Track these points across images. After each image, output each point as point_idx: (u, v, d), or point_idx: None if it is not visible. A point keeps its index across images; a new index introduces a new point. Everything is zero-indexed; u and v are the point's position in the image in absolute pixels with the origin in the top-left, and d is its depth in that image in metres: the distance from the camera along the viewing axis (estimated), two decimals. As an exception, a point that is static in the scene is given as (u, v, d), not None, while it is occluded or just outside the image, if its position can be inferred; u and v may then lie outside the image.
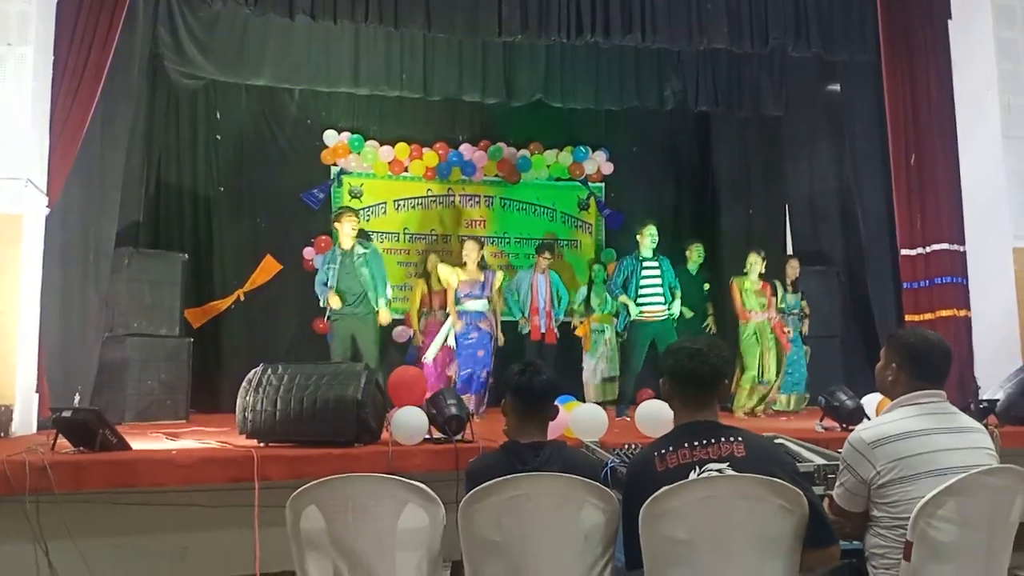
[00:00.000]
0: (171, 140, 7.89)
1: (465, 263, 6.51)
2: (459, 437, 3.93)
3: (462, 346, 6.35)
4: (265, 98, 8.25)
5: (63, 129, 5.10)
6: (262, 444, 3.94)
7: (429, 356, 6.78)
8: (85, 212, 5.51)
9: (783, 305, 7.10)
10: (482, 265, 6.63)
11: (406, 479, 2.53)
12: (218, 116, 8.19)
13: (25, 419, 4.79)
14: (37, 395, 4.94)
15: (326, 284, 6.10)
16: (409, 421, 3.98)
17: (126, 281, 6.07)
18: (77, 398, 5.24)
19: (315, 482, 2.50)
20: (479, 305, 6.40)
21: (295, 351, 7.76)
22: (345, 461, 3.67)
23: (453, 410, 3.91)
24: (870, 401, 4.58)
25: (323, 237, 8.26)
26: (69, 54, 5.15)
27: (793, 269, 7.39)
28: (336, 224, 6.26)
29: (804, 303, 7.37)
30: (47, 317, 5.08)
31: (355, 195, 8.64)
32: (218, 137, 8.20)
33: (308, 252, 8.30)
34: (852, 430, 2.64)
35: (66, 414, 3.87)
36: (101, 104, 5.34)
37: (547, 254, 7.64)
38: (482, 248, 6.66)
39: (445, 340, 6.59)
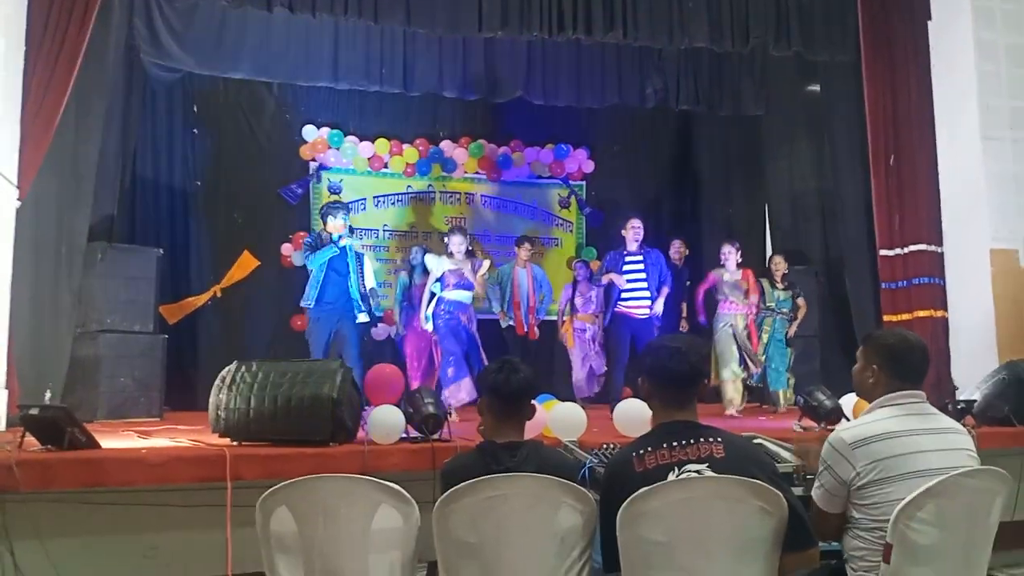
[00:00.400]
0: (147, 133, 7.77)
1: (452, 253, 6.36)
2: (436, 436, 3.89)
3: (445, 331, 6.16)
4: (243, 91, 8.16)
5: (35, 121, 5.01)
6: (235, 443, 3.87)
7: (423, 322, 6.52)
8: (57, 205, 5.41)
9: (772, 303, 6.97)
10: (470, 254, 6.48)
11: (380, 479, 2.49)
12: (195, 109, 8.09)
13: (-3, 416, 4.70)
14: (7, 391, 4.84)
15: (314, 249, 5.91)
16: (385, 420, 3.92)
17: (100, 276, 5.96)
18: (48, 395, 5.14)
19: (285, 483, 2.45)
20: (463, 296, 6.24)
21: (272, 348, 7.69)
22: (320, 460, 3.61)
23: (430, 409, 3.86)
24: (848, 401, 4.58)
25: (301, 233, 8.18)
26: (42, 44, 5.05)
27: (778, 266, 7.24)
28: (331, 216, 6.06)
29: (801, 301, 7.12)
30: (17, 312, 4.98)
31: (334, 191, 8.57)
32: (195, 131, 8.10)
33: (286, 248, 8.22)
34: (831, 430, 2.62)
35: (34, 411, 3.78)
36: (75, 96, 5.24)
37: (527, 246, 7.58)
38: (467, 239, 6.52)
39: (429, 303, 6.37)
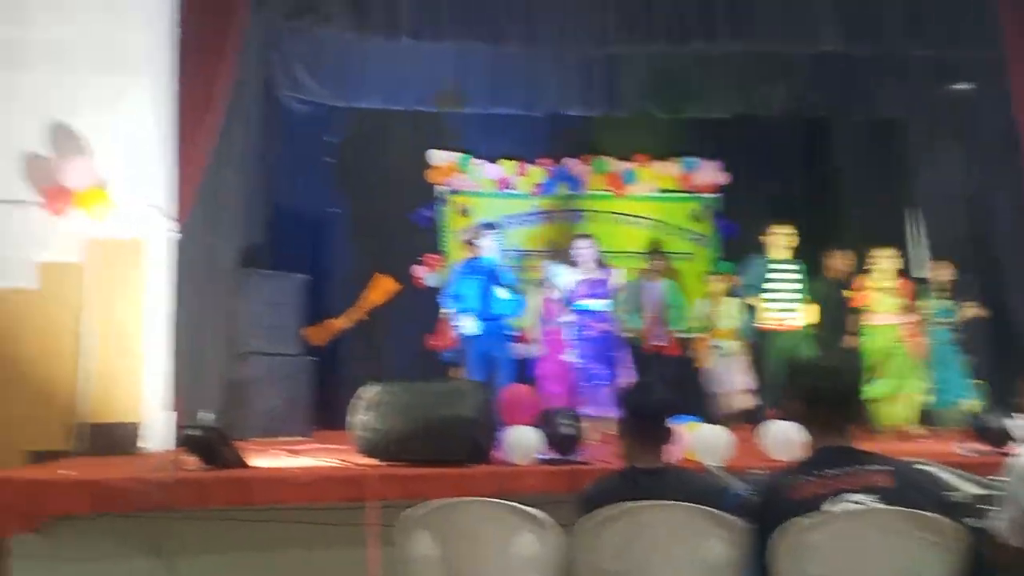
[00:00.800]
0: (286, 164, 8.12)
1: (581, 261, 6.16)
2: (574, 458, 3.83)
3: (583, 345, 5.98)
4: (373, 120, 8.40)
5: (188, 156, 5.31)
6: (378, 463, 3.94)
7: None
8: (209, 235, 5.70)
9: (930, 314, 6.34)
10: (600, 263, 6.27)
11: (520, 503, 2.46)
12: (329, 139, 8.41)
13: (156, 436, 4.99)
14: (175, 412, 5.11)
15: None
16: (522, 440, 3.90)
17: (248, 302, 6.22)
18: (205, 416, 5.41)
19: (426, 505, 2.46)
20: (598, 304, 6.00)
21: (409, 368, 7.82)
22: (459, 481, 3.62)
23: (568, 429, 3.81)
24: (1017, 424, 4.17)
25: (432, 256, 8.36)
26: (189, 83, 5.36)
27: (940, 273, 6.55)
28: (480, 237, 6.17)
29: (973, 307, 6.39)
30: (180, 337, 5.28)
31: (463, 214, 8.70)
32: (330, 160, 8.42)
33: (419, 271, 8.41)
34: (1011, 455, 2.38)
35: (192, 432, 4.00)
36: (222, 130, 5.55)
37: (656, 259, 7.36)
38: (597, 245, 6.29)
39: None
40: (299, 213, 8.14)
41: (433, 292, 8.06)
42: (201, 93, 5.38)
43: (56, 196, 5.00)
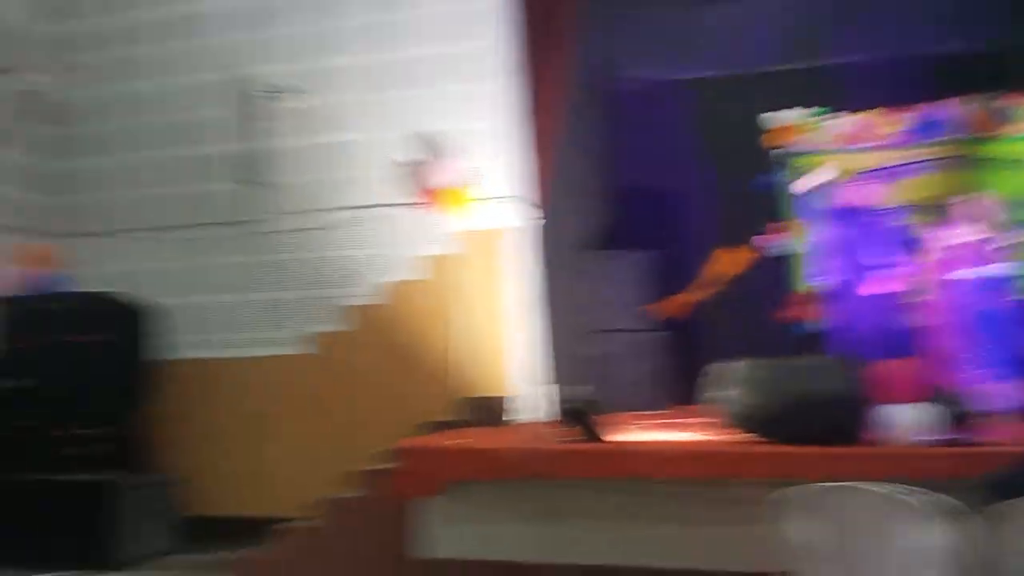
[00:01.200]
0: (630, 143, 8.24)
1: (962, 222, 5.43)
2: (967, 439, 3.43)
3: (973, 319, 5.23)
4: (710, 89, 8.22)
5: (540, 146, 5.64)
6: (750, 439, 3.87)
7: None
8: (566, 219, 6.01)
9: None
10: (994, 220, 5.46)
11: (917, 489, 2.27)
12: (667, 114, 8.38)
13: (523, 408, 5.41)
14: (546, 386, 5.46)
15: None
16: (902, 419, 3.60)
17: (604, 280, 6.49)
18: (580, 390, 5.72)
19: (810, 487, 2.38)
20: (993, 270, 5.25)
21: (762, 342, 7.53)
22: (832, 462, 3.45)
23: (959, 408, 3.44)
24: None
25: (777, 223, 7.97)
26: (532, 79, 5.67)
27: None
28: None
29: None
30: (545, 317, 5.63)
31: (806, 174, 8.19)
32: (670, 135, 8.38)
33: (763, 240, 8.10)
34: None
35: (564, 406, 4.29)
36: (568, 119, 5.81)
37: None
38: (989, 200, 5.51)
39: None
40: (647, 191, 8.23)
41: (779, 262, 7.73)
42: (543, 87, 5.68)
43: (430, 196, 5.63)
